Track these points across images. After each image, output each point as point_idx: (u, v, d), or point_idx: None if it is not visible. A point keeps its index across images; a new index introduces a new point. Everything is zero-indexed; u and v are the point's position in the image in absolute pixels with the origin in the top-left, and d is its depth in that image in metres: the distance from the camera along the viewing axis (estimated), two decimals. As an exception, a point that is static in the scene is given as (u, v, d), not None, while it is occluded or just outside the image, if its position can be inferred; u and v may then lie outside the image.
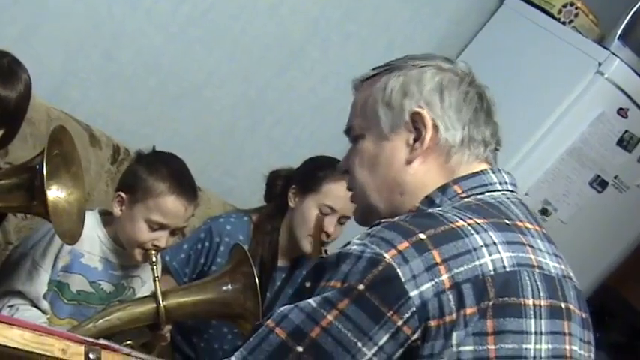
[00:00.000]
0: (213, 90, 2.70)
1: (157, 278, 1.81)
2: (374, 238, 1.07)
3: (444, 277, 1.04)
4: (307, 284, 1.10)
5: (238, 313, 1.81)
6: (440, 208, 1.16)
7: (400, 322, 1.02)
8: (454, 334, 1.04)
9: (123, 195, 1.95)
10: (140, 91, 2.59)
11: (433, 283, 1.04)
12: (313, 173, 2.26)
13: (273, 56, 2.76)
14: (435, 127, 1.21)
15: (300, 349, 1.03)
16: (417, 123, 1.22)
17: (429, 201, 1.20)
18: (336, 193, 2.20)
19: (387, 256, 1.04)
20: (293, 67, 2.81)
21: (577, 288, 1.23)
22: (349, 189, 1.31)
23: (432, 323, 1.03)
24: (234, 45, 2.67)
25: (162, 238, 1.93)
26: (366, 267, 1.04)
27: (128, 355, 1.44)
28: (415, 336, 1.03)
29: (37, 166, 1.64)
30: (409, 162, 1.22)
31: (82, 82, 2.50)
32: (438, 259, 1.05)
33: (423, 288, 1.03)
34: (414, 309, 1.02)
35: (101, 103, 2.54)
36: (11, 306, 1.87)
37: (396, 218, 1.13)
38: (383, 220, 1.12)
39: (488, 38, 3.00)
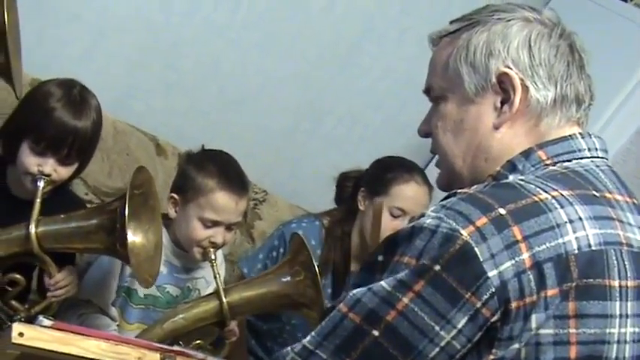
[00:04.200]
0: (272, 93, 2.72)
1: (217, 275, 1.83)
2: (450, 212, 1.01)
3: (525, 256, 0.98)
4: (380, 258, 1.06)
5: (300, 302, 1.80)
6: (521, 177, 1.09)
7: (479, 304, 0.97)
8: (533, 317, 0.99)
9: (175, 196, 1.97)
10: (201, 98, 2.63)
11: (513, 262, 0.98)
12: (382, 175, 2.24)
13: (330, 55, 2.76)
14: (525, 88, 1.12)
15: (375, 333, 0.99)
16: (504, 84, 1.13)
17: (511, 165, 1.12)
18: (405, 194, 2.18)
19: (464, 233, 0.98)
20: (351, 65, 2.80)
21: None
22: (432, 152, 1.23)
23: (512, 305, 0.98)
24: (291, 46, 2.68)
25: (219, 235, 1.94)
26: (441, 244, 0.98)
27: None
28: (494, 318, 0.98)
29: (119, 211, 1.67)
30: (496, 127, 1.14)
31: (145, 93, 2.55)
32: (519, 237, 0.99)
33: (502, 268, 0.97)
34: (493, 290, 0.97)
35: (164, 112, 2.58)
36: (81, 315, 1.91)
37: (473, 188, 1.07)
38: (459, 191, 1.06)
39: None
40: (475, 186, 1.08)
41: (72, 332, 1.25)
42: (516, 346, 0.99)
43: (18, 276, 1.80)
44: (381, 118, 2.93)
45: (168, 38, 2.50)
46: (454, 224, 0.99)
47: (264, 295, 1.83)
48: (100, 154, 2.41)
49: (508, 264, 0.98)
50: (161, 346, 1.42)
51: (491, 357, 1.00)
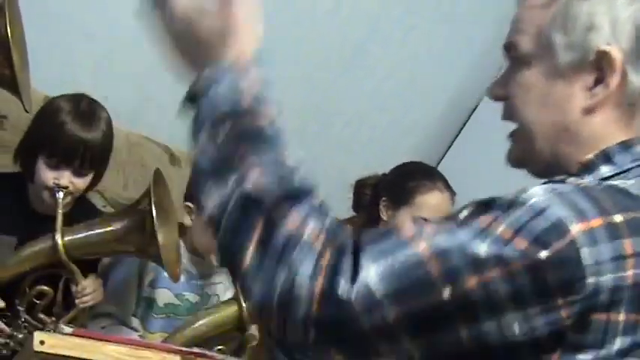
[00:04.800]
0: (279, 96, 2.73)
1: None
2: (562, 198, 0.90)
3: (629, 272, 0.89)
4: (463, 214, 0.94)
5: None
6: (615, 168, 0.99)
7: (560, 302, 0.88)
8: (618, 340, 0.90)
9: (190, 205, 2.01)
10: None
11: (615, 276, 0.89)
12: (403, 184, 2.18)
13: (335, 57, 2.78)
14: (624, 71, 1.00)
15: (445, 294, 0.87)
16: (602, 63, 1.00)
17: (605, 156, 1.01)
18: (429, 203, 2.13)
19: (574, 228, 0.88)
20: (356, 67, 2.81)
21: None
22: (505, 119, 1.10)
23: (594, 316, 0.89)
24: (297, 49, 2.70)
25: None
26: (548, 230, 0.87)
27: (223, 361, 1.48)
28: (569, 322, 0.89)
29: (146, 210, 1.73)
30: (586, 110, 1.02)
31: (157, 104, 2.58)
32: (629, 251, 0.89)
33: (602, 279, 0.88)
34: (582, 297, 0.88)
35: (176, 122, 2.61)
36: (102, 327, 1.94)
37: (588, 182, 0.97)
38: (571, 179, 0.96)
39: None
40: (588, 181, 0.97)
41: (92, 338, 1.29)
42: (582, 357, 0.91)
43: (46, 288, 1.85)
44: (388, 118, 2.94)
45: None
46: (566, 215, 0.88)
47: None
48: (115, 166, 2.45)
49: (609, 277, 0.89)
50: (180, 348, 1.46)
51: None
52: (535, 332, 0.89)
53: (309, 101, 2.81)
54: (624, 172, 1.00)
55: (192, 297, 2.06)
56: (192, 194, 2.00)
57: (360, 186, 2.36)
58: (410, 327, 0.88)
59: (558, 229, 0.87)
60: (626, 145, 1.01)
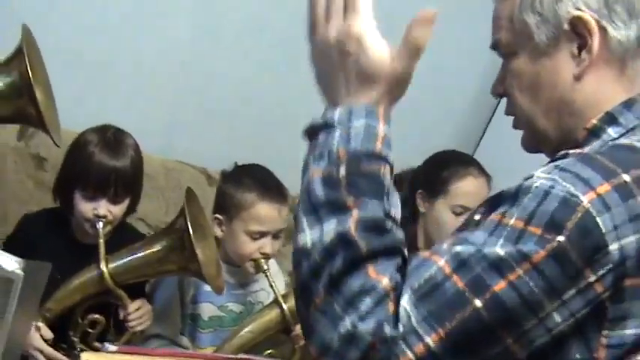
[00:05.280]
0: (307, 107, 2.76)
1: (273, 283, 1.89)
2: (566, 173, 0.90)
3: None
4: (476, 217, 0.95)
5: None
6: (636, 137, 0.98)
7: (592, 278, 0.87)
8: None
9: (219, 216, 2.04)
10: (242, 123, 2.71)
11: (637, 237, 0.89)
12: (437, 174, 2.17)
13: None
14: (602, 30, 1.00)
15: (478, 303, 0.86)
16: (578, 29, 1.00)
17: (610, 118, 1.01)
18: (465, 190, 2.12)
19: (584, 199, 0.87)
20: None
21: None
22: (508, 114, 1.12)
23: (628, 282, 0.89)
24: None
25: (267, 245, 2.00)
26: (558, 209, 0.87)
27: (270, 363, 1.50)
28: (605, 295, 0.89)
29: (183, 228, 1.79)
30: (577, 77, 1.02)
31: (187, 129, 2.66)
32: None
33: (625, 242, 0.88)
34: (611, 265, 0.87)
35: (209, 143, 2.66)
36: (153, 349, 1.96)
37: (589, 149, 0.97)
38: (572, 151, 0.96)
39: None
40: (590, 148, 0.98)
41: (137, 354, 1.33)
42: (633, 330, 0.90)
43: (97, 316, 1.92)
44: (419, 110, 2.91)
45: (199, 72, 2.60)
46: (572, 189, 0.88)
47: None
48: (154, 193, 2.52)
49: (632, 238, 0.88)
50: (228, 356, 1.48)
51: (604, 340, 0.91)
52: (576, 315, 0.89)
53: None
54: (631, 130, 1.00)
55: (235, 307, 2.10)
56: (221, 206, 2.04)
57: (395, 182, 2.36)
58: (453, 349, 0.87)
59: (568, 205, 0.87)
60: (629, 104, 1.01)
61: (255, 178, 2.04)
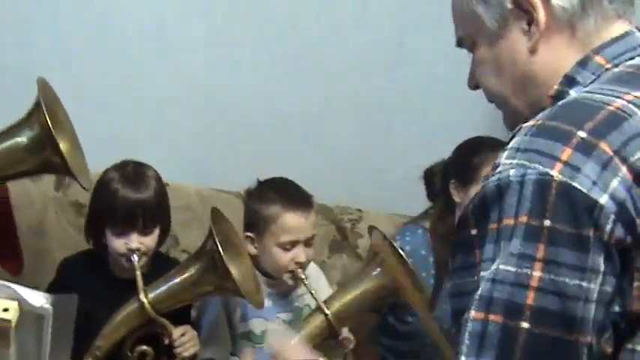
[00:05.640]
0: (335, 116, 2.77)
1: (312, 292, 1.91)
2: (529, 154, 0.93)
3: (624, 170, 0.90)
4: (473, 232, 0.96)
5: (396, 287, 1.86)
6: (586, 89, 1.01)
7: (606, 237, 0.88)
8: None
9: (250, 234, 2.07)
10: (268, 141, 2.72)
11: (618, 179, 0.90)
12: (467, 162, 2.18)
13: (378, 61, 2.80)
14: (544, 1, 1.04)
15: (525, 325, 0.88)
16: (522, 6, 1.05)
17: (569, 80, 1.05)
18: None
19: (554, 173, 0.90)
20: (403, 64, 2.82)
21: None
22: (490, 101, 1.18)
23: (638, 222, 0.90)
24: (353, 42, 2.72)
25: (300, 254, 2.01)
26: (535, 194, 0.89)
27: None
28: (626, 244, 0.90)
29: (212, 248, 1.82)
30: (532, 51, 1.06)
31: (217, 155, 2.68)
32: (610, 152, 0.91)
33: (611, 189, 0.89)
34: (613, 216, 0.89)
35: (239, 166, 2.68)
36: (207, 374, 2.02)
37: (539, 117, 0.98)
38: (524, 125, 0.98)
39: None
40: (540, 114, 1.00)
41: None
42: None
43: (145, 347, 1.95)
44: (448, 101, 2.90)
45: (220, 98, 2.64)
46: (540, 167, 0.91)
47: (363, 294, 1.90)
48: (193, 223, 2.56)
49: (615, 183, 0.90)
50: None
51: (636, 292, 0.91)
52: (619, 277, 0.89)
53: (367, 115, 2.83)
54: (588, 86, 1.03)
55: (285, 316, 2.11)
56: (249, 223, 2.07)
57: (429, 175, 2.36)
58: None
59: (543, 184, 0.90)
60: (583, 62, 1.05)
61: (278, 190, 2.07)
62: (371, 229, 1.95)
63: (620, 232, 0.89)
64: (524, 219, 0.90)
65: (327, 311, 1.85)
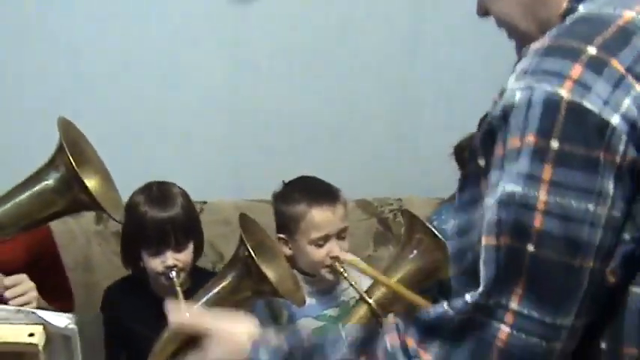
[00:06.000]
0: (358, 114, 2.79)
1: (353, 283, 1.90)
2: (536, 75, 0.89)
3: (638, 87, 0.87)
4: (481, 162, 0.96)
5: (435, 268, 1.85)
6: (592, 4, 0.97)
7: (618, 159, 0.86)
8: None
9: (282, 236, 2.08)
10: (297, 144, 2.76)
11: (631, 98, 0.87)
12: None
13: (394, 52, 2.78)
14: None
15: (531, 248, 0.87)
16: None
17: None
18: None
19: (563, 92, 0.86)
20: (424, 55, 2.81)
21: None
22: (499, 27, 1.13)
23: None
24: (371, 36, 2.74)
25: (334, 248, 2.01)
26: (543, 114, 0.86)
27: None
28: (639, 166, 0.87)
29: (244, 254, 1.81)
30: None
31: (247, 164, 2.71)
32: (622, 69, 0.88)
33: (623, 109, 0.86)
34: (625, 137, 0.86)
35: (269, 175, 2.69)
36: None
37: (546, 36, 0.95)
38: (532, 47, 0.95)
39: None
40: (548, 33, 0.96)
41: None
42: None
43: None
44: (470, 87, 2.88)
45: (246, 110, 2.68)
46: (549, 87, 0.87)
47: (403, 278, 1.88)
48: (234, 236, 2.55)
49: (627, 102, 0.87)
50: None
51: None
52: (629, 201, 0.87)
53: (392, 107, 2.82)
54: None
55: (332, 311, 2.10)
56: (280, 225, 2.08)
57: (458, 151, 2.35)
58: (540, 303, 0.87)
59: (552, 104, 0.86)
60: None
61: (302, 189, 2.08)
62: (403, 213, 1.93)
63: (633, 153, 0.86)
64: (530, 139, 0.87)
65: (370, 300, 1.84)
